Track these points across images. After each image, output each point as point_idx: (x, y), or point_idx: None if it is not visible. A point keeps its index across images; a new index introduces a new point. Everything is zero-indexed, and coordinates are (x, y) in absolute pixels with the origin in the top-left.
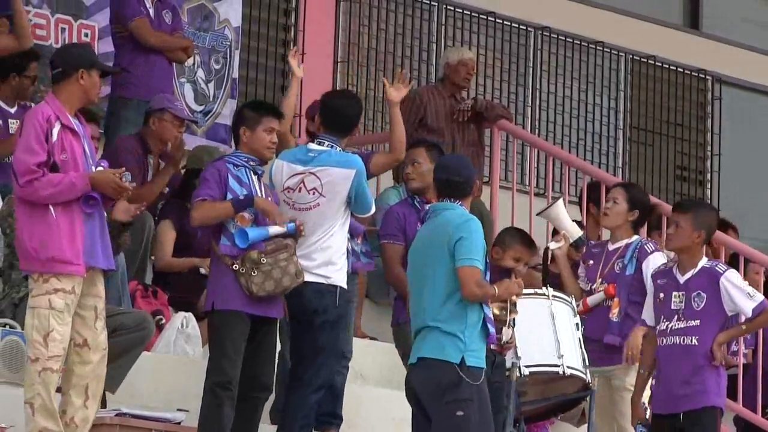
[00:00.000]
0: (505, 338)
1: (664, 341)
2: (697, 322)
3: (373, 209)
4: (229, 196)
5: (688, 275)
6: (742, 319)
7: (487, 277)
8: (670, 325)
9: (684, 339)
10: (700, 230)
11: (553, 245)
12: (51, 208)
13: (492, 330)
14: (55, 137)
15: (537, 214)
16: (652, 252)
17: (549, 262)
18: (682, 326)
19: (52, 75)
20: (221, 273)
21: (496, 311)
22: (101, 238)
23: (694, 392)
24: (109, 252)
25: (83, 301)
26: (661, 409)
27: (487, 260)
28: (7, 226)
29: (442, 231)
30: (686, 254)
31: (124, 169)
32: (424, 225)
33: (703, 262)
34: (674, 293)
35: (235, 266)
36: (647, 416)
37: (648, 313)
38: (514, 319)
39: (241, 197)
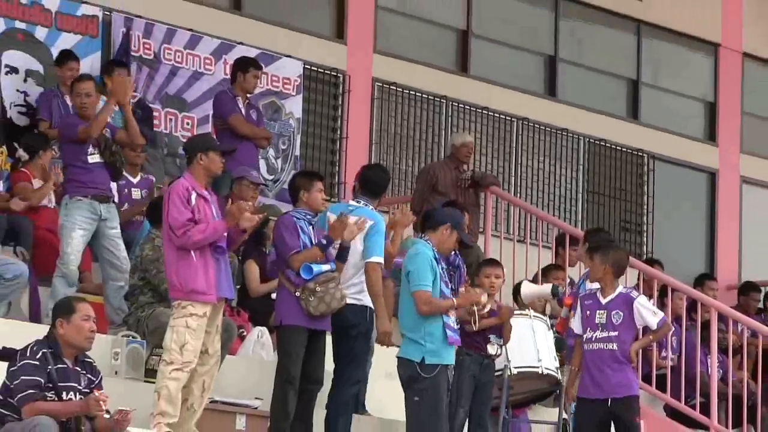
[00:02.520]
0: (483, 304)
1: (591, 346)
2: (616, 333)
3: (377, 259)
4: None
5: (609, 298)
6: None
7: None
8: (594, 335)
9: (607, 345)
10: (608, 264)
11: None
12: (192, 252)
13: (453, 335)
14: (193, 202)
15: (524, 300)
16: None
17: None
18: (605, 335)
19: (187, 159)
20: (286, 297)
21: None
22: (226, 274)
23: (619, 385)
24: (231, 285)
25: (211, 321)
26: (587, 394)
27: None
28: (152, 268)
29: (404, 264)
30: (603, 282)
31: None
32: None
33: (620, 288)
34: (597, 311)
35: (297, 293)
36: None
37: (577, 326)
38: (491, 308)
39: (324, 241)
